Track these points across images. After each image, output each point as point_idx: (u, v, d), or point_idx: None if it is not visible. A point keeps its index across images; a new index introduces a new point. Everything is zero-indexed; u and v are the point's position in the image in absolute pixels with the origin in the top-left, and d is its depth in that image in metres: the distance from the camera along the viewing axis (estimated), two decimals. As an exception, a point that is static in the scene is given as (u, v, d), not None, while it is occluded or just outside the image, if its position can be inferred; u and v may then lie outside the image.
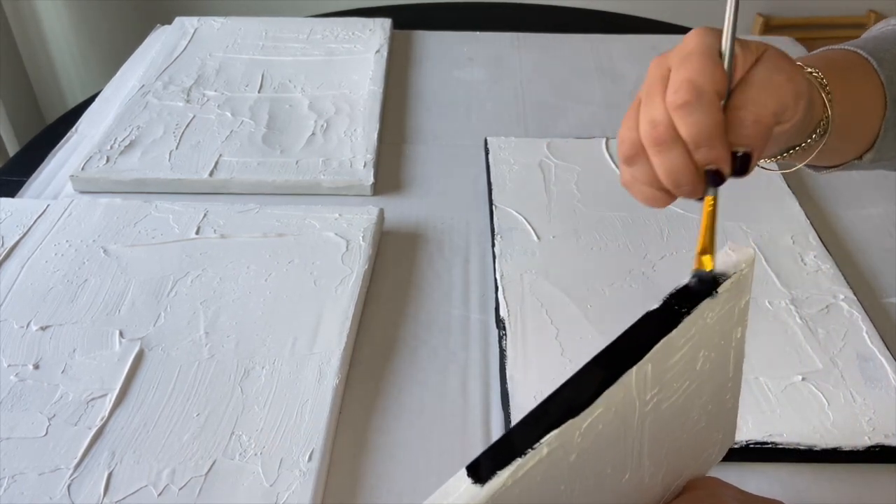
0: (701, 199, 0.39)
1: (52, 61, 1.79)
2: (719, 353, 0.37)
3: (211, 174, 0.79)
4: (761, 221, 0.72)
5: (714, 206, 0.38)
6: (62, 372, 0.57)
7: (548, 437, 0.28)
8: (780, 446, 0.52)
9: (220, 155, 0.82)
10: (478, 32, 1.12)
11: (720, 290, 0.34)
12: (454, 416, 0.57)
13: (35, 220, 0.72)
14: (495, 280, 0.66)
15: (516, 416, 0.54)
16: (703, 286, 0.35)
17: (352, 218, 0.72)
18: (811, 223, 0.72)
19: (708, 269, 0.36)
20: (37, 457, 0.51)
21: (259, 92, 0.93)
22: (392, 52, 1.06)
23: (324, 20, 1.12)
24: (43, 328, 0.61)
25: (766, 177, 0.78)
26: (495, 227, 0.71)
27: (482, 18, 1.23)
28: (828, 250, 0.69)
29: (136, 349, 0.59)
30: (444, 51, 1.08)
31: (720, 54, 0.38)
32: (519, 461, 0.27)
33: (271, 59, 1.01)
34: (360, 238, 0.70)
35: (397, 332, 0.63)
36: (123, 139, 0.84)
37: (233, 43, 1.04)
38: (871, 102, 0.47)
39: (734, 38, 0.38)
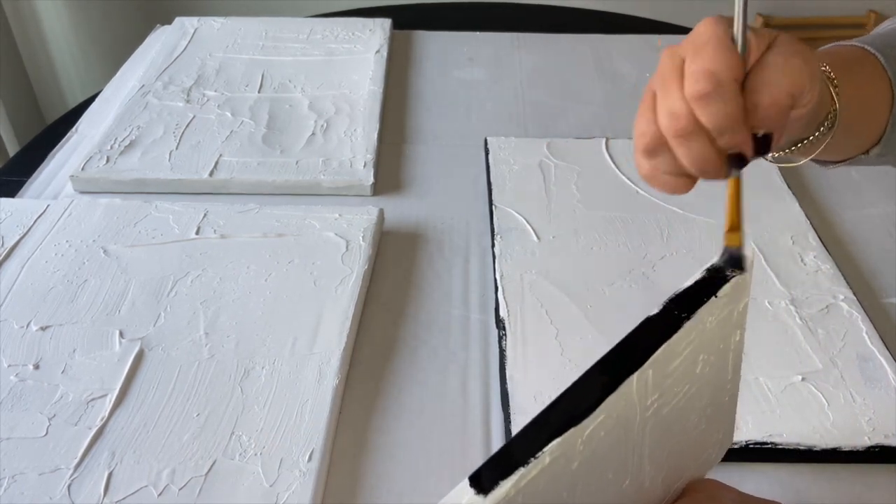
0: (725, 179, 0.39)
1: (52, 61, 1.79)
2: (718, 356, 0.37)
3: (211, 174, 0.79)
4: (761, 221, 0.72)
5: (739, 184, 0.39)
6: (62, 372, 0.57)
7: (550, 445, 0.28)
8: (780, 446, 0.52)
9: (220, 155, 0.82)
10: (478, 32, 1.12)
11: (720, 293, 0.34)
12: (454, 416, 0.57)
13: (35, 221, 0.72)
14: (495, 280, 0.66)
15: (516, 416, 0.54)
16: (733, 263, 0.35)
17: (352, 218, 0.72)
18: (811, 223, 0.72)
19: (737, 245, 0.36)
20: (37, 457, 0.51)
21: (259, 92, 0.93)
22: (392, 52, 1.06)
23: (324, 20, 1.12)
24: (43, 328, 0.61)
25: (766, 177, 0.78)
26: (495, 227, 0.71)
27: (482, 18, 1.23)
28: (827, 250, 0.69)
29: (136, 349, 0.59)
30: (444, 51, 1.08)
31: (733, 41, 0.38)
32: (521, 471, 0.27)
33: (271, 59, 1.01)
34: (360, 238, 0.70)
35: (397, 332, 0.63)
36: (123, 139, 0.84)
37: (233, 43, 1.04)
38: (878, 97, 0.47)
39: (746, 23, 0.38)
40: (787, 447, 0.52)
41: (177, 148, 0.83)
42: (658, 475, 0.37)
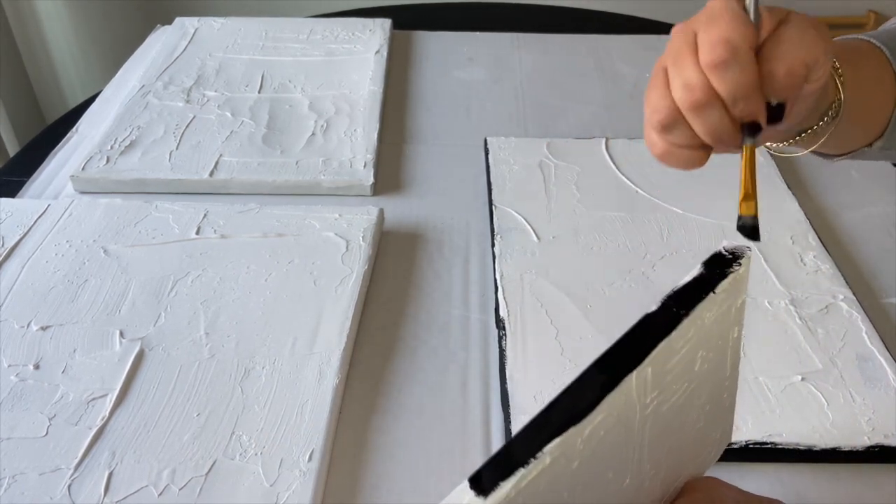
0: (740, 148, 0.40)
1: (52, 61, 1.79)
2: (717, 353, 0.37)
3: (211, 174, 0.79)
4: (761, 221, 0.72)
5: (753, 153, 0.39)
6: (62, 372, 0.57)
7: (550, 445, 0.28)
8: (780, 446, 0.52)
9: (221, 155, 0.82)
10: (478, 32, 1.12)
11: (718, 289, 0.34)
12: (454, 416, 0.57)
13: (35, 221, 0.72)
14: (495, 280, 0.66)
15: (516, 416, 0.54)
16: (747, 231, 0.36)
17: (352, 218, 0.72)
18: (811, 223, 0.72)
19: (752, 214, 0.37)
20: (37, 457, 0.51)
21: (259, 92, 0.93)
22: (392, 52, 1.06)
23: (324, 20, 1.12)
24: (43, 328, 0.61)
25: (765, 177, 0.78)
26: (495, 227, 0.72)
27: (482, 18, 1.23)
28: (827, 250, 0.69)
29: (137, 349, 0.59)
30: (444, 51, 1.08)
31: (745, 12, 0.38)
32: (522, 471, 0.27)
33: (271, 59, 1.01)
34: (360, 238, 0.70)
35: (397, 332, 0.63)
36: (123, 139, 0.84)
37: (233, 43, 1.04)
38: (882, 90, 0.47)
39: None
40: (786, 447, 0.52)
41: (177, 148, 0.83)
42: (657, 474, 0.37)
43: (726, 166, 0.46)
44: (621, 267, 0.67)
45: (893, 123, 0.48)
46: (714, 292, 0.34)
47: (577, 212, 0.74)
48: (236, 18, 1.11)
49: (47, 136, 0.93)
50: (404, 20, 1.15)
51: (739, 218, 0.39)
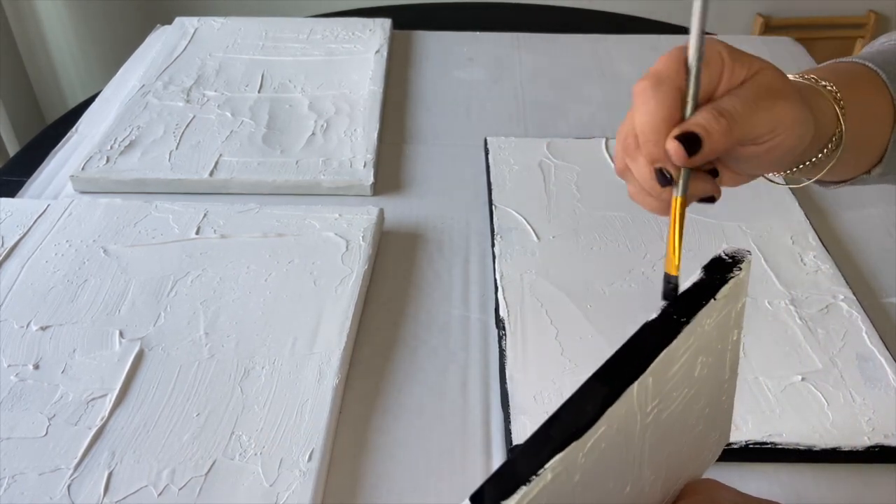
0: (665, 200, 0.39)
1: (52, 61, 1.79)
2: (717, 357, 0.37)
3: (211, 174, 0.79)
4: (761, 221, 0.72)
5: (679, 208, 0.38)
6: (62, 372, 0.57)
7: (552, 461, 0.27)
8: (780, 446, 0.52)
9: (220, 155, 0.82)
10: (478, 32, 1.12)
11: (719, 295, 0.34)
12: (454, 416, 0.57)
13: (35, 220, 0.72)
14: (495, 280, 0.66)
15: (516, 416, 0.54)
16: (674, 291, 0.35)
17: (352, 218, 0.72)
18: (811, 223, 0.72)
19: (673, 273, 0.36)
20: (37, 457, 0.51)
21: (259, 92, 0.93)
22: (392, 52, 1.06)
23: (324, 20, 1.12)
24: (43, 328, 0.61)
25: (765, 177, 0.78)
26: (495, 227, 0.72)
27: (482, 18, 1.23)
28: (827, 250, 0.69)
29: (136, 349, 0.59)
30: (444, 51, 1.08)
31: (690, 60, 0.37)
32: (524, 489, 0.27)
33: (271, 59, 1.01)
34: (360, 238, 0.70)
35: (397, 332, 0.63)
36: (123, 139, 0.84)
37: (233, 43, 1.04)
38: (880, 115, 0.46)
39: (702, 37, 0.37)
40: (786, 447, 0.52)
41: (177, 148, 0.83)
42: (657, 478, 0.36)
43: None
44: (621, 267, 0.67)
45: (891, 149, 0.47)
46: (715, 298, 0.34)
47: (577, 212, 0.74)
48: (236, 18, 1.11)
49: (47, 136, 0.93)
50: (404, 20, 1.15)
51: (666, 278, 0.36)
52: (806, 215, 0.73)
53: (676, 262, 0.35)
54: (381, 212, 0.73)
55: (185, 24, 1.09)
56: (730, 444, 0.51)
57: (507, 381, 0.56)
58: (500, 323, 0.62)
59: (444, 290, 0.68)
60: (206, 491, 0.49)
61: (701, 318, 0.33)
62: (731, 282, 0.35)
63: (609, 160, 0.81)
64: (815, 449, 0.52)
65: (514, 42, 1.10)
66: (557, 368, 0.57)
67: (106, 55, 1.81)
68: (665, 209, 0.40)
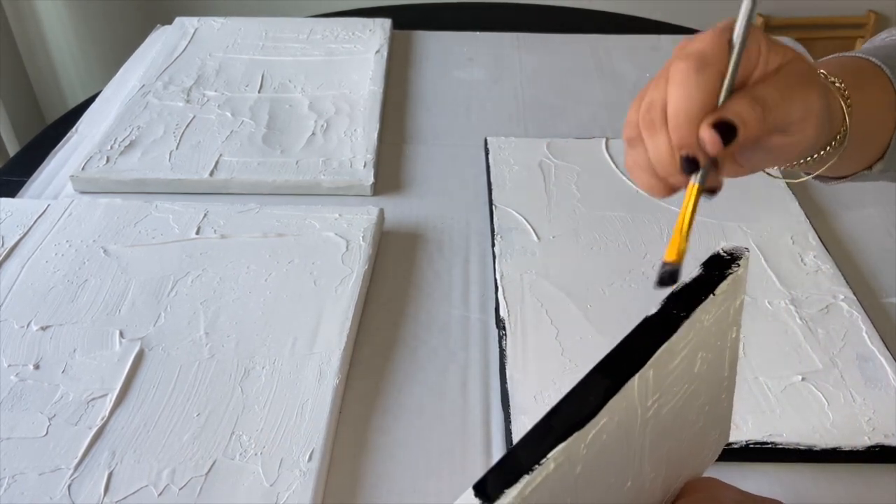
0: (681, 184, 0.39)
1: (52, 61, 1.79)
2: (716, 353, 0.37)
3: (211, 174, 0.79)
4: (761, 221, 0.72)
5: (695, 196, 0.37)
6: (62, 372, 0.57)
7: (554, 451, 0.27)
8: (780, 446, 0.52)
9: (221, 155, 0.82)
10: (478, 32, 1.12)
11: (718, 291, 0.34)
12: (454, 416, 0.57)
13: (35, 220, 0.72)
14: (495, 280, 0.66)
15: (516, 416, 0.54)
16: (668, 279, 0.34)
17: (352, 218, 0.72)
18: (811, 223, 0.72)
19: (674, 261, 0.35)
20: (37, 457, 0.51)
21: (259, 92, 0.93)
22: (392, 52, 1.06)
23: (324, 20, 1.12)
24: (43, 328, 0.61)
25: (765, 177, 0.78)
26: (495, 227, 0.72)
27: (482, 18, 1.23)
28: (827, 250, 0.69)
29: (137, 349, 0.59)
30: (444, 51, 1.08)
31: (730, 43, 0.37)
32: (527, 478, 0.27)
33: (271, 59, 1.01)
34: (360, 238, 0.70)
35: (397, 332, 0.63)
36: (123, 139, 0.84)
37: (233, 43, 1.04)
38: (883, 111, 0.46)
39: (748, 26, 0.37)
40: (787, 447, 0.52)
41: (177, 148, 0.83)
42: (658, 475, 0.37)
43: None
44: (621, 267, 0.67)
45: (893, 145, 0.47)
46: (713, 294, 0.34)
47: (577, 212, 0.74)
48: (236, 18, 1.11)
49: (47, 136, 0.93)
50: (404, 20, 1.15)
51: (663, 265, 0.35)
52: (806, 215, 0.73)
53: (683, 248, 0.35)
54: (381, 212, 0.73)
55: (185, 25, 1.09)
56: (730, 443, 0.51)
57: (507, 381, 0.56)
58: (500, 323, 0.62)
59: (444, 290, 0.68)
60: (207, 491, 0.49)
61: (700, 314, 0.33)
62: (729, 278, 0.35)
63: (609, 160, 0.81)
64: (815, 449, 0.52)
65: (514, 42, 1.10)
66: (557, 368, 0.57)
67: (106, 55, 1.81)
68: (663, 190, 0.40)
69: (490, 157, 0.82)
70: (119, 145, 0.83)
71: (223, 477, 0.50)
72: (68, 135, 0.90)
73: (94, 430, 0.53)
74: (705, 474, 0.42)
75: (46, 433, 0.52)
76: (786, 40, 1.12)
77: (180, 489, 0.49)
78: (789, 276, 0.66)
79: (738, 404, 0.54)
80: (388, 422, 0.56)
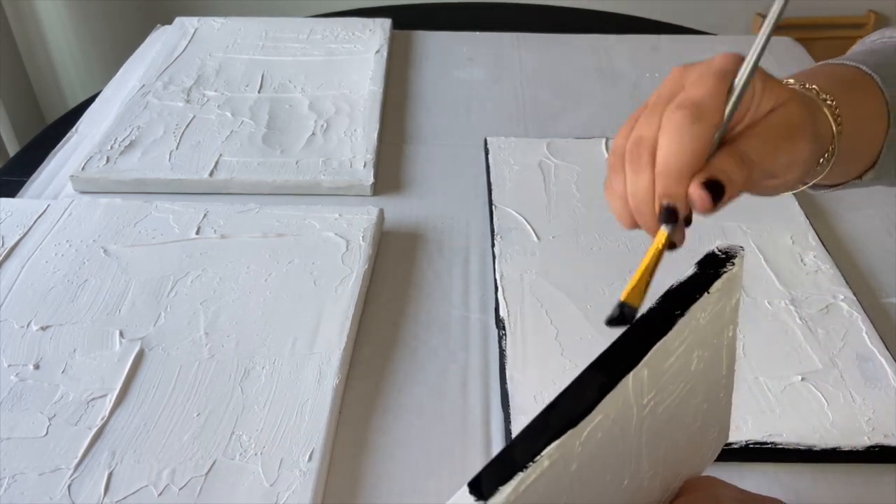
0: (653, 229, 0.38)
1: (52, 61, 1.79)
2: (712, 352, 0.37)
3: (211, 174, 0.79)
4: (761, 221, 0.72)
5: (663, 245, 0.37)
6: (62, 372, 0.57)
7: (548, 448, 0.28)
8: (780, 446, 0.52)
9: (221, 155, 0.82)
10: (478, 32, 1.12)
11: (712, 289, 0.34)
12: (454, 416, 0.57)
13: (35, 220, 0.72)
14: (495, 280, 0.66)
15: (516, 417, 0.54)
16: (622, 319, 0.34)
17: (352, 218, 0.72)
18: (811, 223, 0.72)
19: (635, 304, 0.35)
20: (37, 457, 0.51)
21: (259, 92, 0.93)
22: (392, 52, 1.06)
23: (324, 20, 1.12)
24: (43, 328, 0.61)
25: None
26: (495, 227, 0.72)
27: (482, 18, 1.23)
28: (827, 250, 0.69)
29: (137, 349, 0.59)
30: (444, 51, 1.08)
31: (731, 87, 0.37)
32: (521, 475, 0.27)
33: (271, 59, 1.01)
34: (360, 238, 0.70)
35: (397, 332, 0.63)
36: (123, 139, 0.84)
37: (233, 43, 1.04)
38: (874, 121, 0.46)
39: (751, 76, 0.36)
40: (786, 447, 0.52)
41: (177, 148, 0.83)
42: (656, 475, 0.37)
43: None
44: (621, 267, 0.67)
45: (884, 155, 0.47)
46: (708, 292, 0.34)
47: (577, 212, 0.74)
48: (236, 18, 1.11)
49: (47, 136, 0.93)
50: (404, 20, 1.15)
51: (621, 304, 0.35)
52: (806, 215, 0.73)
53: (643, 293, 0.35)
54: (381, 212, 0.73)
55: (185, 25, 1.09)
56: (730, 443, 0.51)
57: (507, 381, 0.56)
58: (500, 323, 0.62)
59: (444, 290, 0.68)
60: (207, 491, 0.49)
61: (695, 312, 0.33)
62: (724, 276, 0.35)
63: (609, 160, 0.81)
64: (815, 449, 0.52)
65: (514, 42, 1.10)
66: (557, 368, 0.57)
67: (106, 55, 1.81)
68: (630, 221, 0.39)
69: (490, 157, 0.82)
70: (119, 145, 0.83)
71: (223, 477, 0.50)
72: (68, 135, 0.90)
73: (94, 430, 0.53)
74: (704, 474, 0.42)
75: (46, 433, 0.53)
76: (786, 40, 1.12)
77: (180, 489, 0.49)
78: (789, 276, 0.66)
79: (737, 404, 0.54)
80: (388, 422, 0.56)
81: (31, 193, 0.80)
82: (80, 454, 0.51)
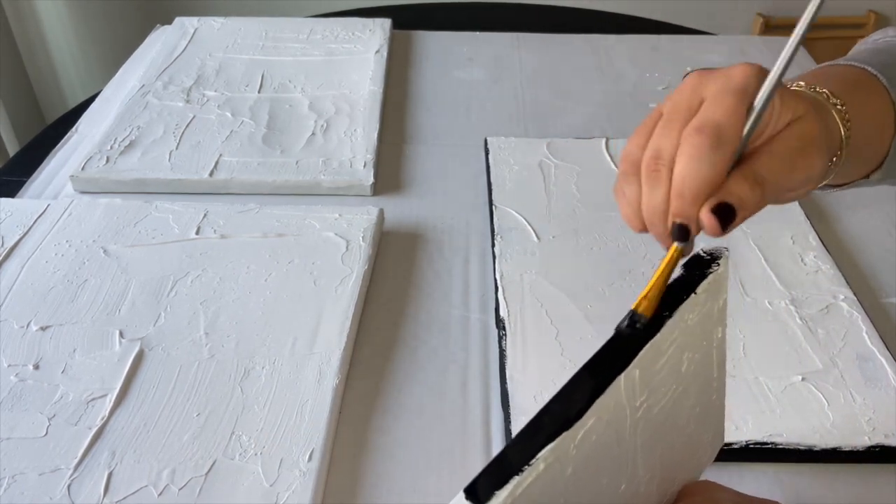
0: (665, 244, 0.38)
1: (52, 61, 1.79)
2: (703, 354, 0.37)
3: (211, 174, 0.79)
4: (761, 221, 0.72)
5: (676, 258, 0.37)
6: (62, 372, 0.57)
7: (543, 451, 0.28)
8: (780, 446, 0.52)
9: (220, 155, 0.82)
10: (478, 32, 1.12)
11: (699, 290, 0.35)
12: (454, 416, 0.57)
13: (35, 220, 0.72)
14: (495, 280, 0.66)
15: (516, 417, 0.54)
16: (634, 330, 0.34)
17: (352, 218, 0.72)
18: (811, 223, 0.72)
19: (646, 315, 0.35)
20: (37, 457, 0.51)
21: (259, 92, 0.93)
22: (392, 52, 1.06)
23: (324, 20, 1.12)
24: (43, 328, 0.61)
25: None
26: (495, 227, 0.72)
27: (482, 18, 1.23)
28: (828, 250, 0.69)
29: (136, 349, 0.59)
30: (444, 51, 1.08)
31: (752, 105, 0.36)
32: (517, 479, 0.27)
33: (271, 59, 1.01)
34: (360, 238, 0.70)
35: (397, 332, 0.63)
36: (123, 139, 0.84)
37: (233, 43, 1.04)
38: (881, 122, 0.46)
39: (771, 97, 0.36)
40: (787, 447, 0.52)
41: (177, 148, 0.83)
42: (652, 480, 0.37)
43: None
44: (621, 267, 0.67)
45: (891, 155, 0.47)
46: (695, 293, 0.34)
47: (577, 212, 0.74)
48: (236, 18, 1.11)
49: (47, 136, 0.93)
50: (404, 20, 1.15)
51: (633, 313, 0.35)
52: (806, 216, 0.73)
53: (655, 302, 0.35)
54: (381, 212, 0.73)
55: (184, 24, 1.09)
56: (730, 444, 0.51)
57: (507, 381, 0.56)
58: (500, 323, 0.62)
59: (444, 290, 0.68)
60: (206, 491, 0.49)
61: (683, 313, 0.34)
62: (710, 277, 0.35)
63: (609, 160, 0.81)
64: (815, 449, 0.52)
65: (514, 42, 1.10)
66: (557, 368, 0.57)
67: (106, 55, 1.81)
68: (640, 227, 0.39)
69: (490, 157, 0.82)
70: (119, 145, 0.83)
71: (223, 477, 0.50)
72: (68, 135, 0.90)
73: (94, 430, 0.53)
74: (702, 476, 0.42)
75: (46, 433, 0.53)
76: (786, 40, 1.11)
77: (180, 489, 0.49)
78: (789, 277, 0.66)
79: (738, 404, 0.54)
80: (388, 422, 0.56)
81: (31, 193, 0.80)
82: (79, 454, 0.51)
